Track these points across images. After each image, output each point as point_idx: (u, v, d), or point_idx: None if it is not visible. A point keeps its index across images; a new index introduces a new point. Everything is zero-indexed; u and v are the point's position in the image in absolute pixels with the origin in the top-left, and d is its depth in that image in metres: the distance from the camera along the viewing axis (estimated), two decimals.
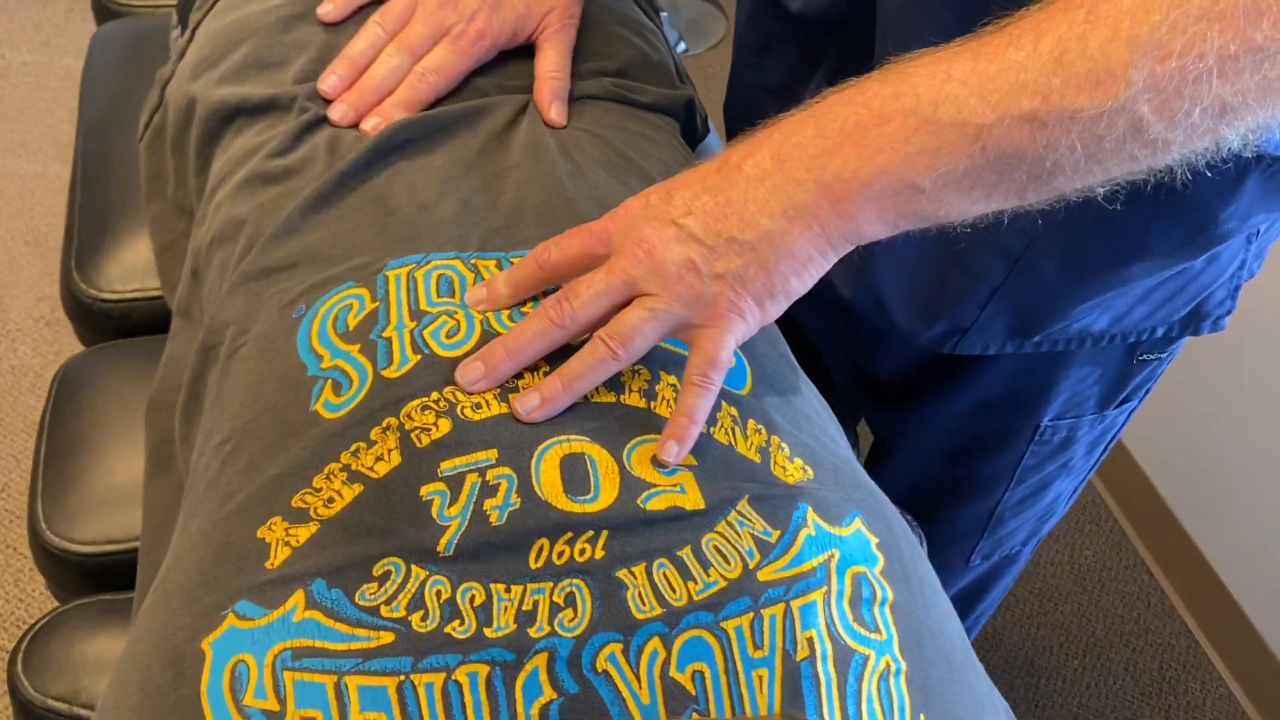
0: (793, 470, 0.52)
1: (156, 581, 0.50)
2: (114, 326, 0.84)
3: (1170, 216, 0.66)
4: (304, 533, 0.46)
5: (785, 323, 0.61)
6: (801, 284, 0.52)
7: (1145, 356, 0.81)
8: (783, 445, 0.53)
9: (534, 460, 0.47)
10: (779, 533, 0.49)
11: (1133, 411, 0.88)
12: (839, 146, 0.49)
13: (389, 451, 0.47)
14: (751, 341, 0.56)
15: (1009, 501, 0.89)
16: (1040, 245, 0.69)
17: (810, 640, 0.46)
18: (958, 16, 0.52)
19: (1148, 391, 0.86)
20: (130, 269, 0.86)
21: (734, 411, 0.53)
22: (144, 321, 0.83)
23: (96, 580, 0.70)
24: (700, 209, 0.51)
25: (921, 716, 0.48)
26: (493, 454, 0.47)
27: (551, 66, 0.68)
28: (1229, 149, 0.46)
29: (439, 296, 0.54)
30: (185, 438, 0.61)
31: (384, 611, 0.43)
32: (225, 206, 0.65)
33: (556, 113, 0.68)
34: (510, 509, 0.46)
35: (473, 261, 0.57)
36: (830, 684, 0.46)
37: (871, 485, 0.57)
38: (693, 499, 0.48)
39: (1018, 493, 0.89)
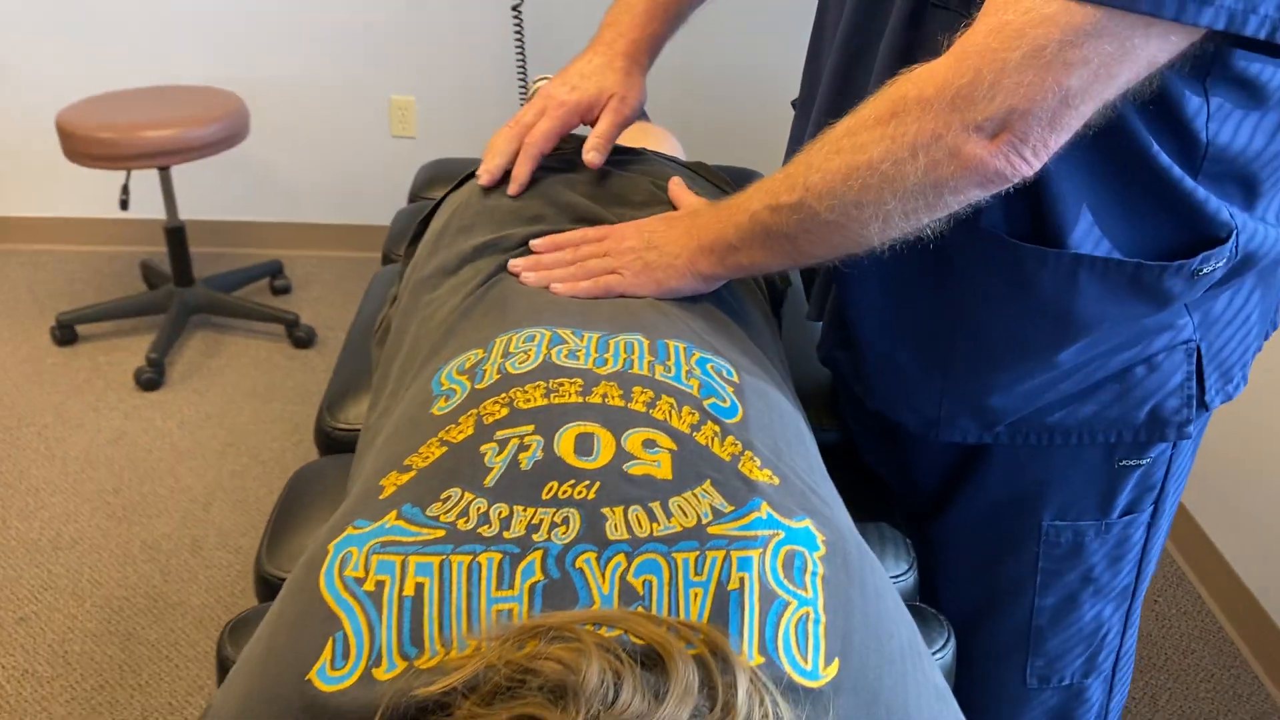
0: (759, 475, 0.69)
1: None
2: (340, 448, 1.13)
3: (1033, 318, 0.84)
4: (406, 478, 0.68)
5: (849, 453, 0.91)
6: (678, 282, 0.90)
7: (1125, 462, 0.92)
8: (754, 458, 0.70)
9: (558, 433, 0.68)
10: (733, 508, 0.65)
11: (1152, 529, 0.97)
12: (708, 223, 0.90)
13: (467, 427, 0.70)
14: (754, 398, 0.76)
15: (1041, 608, 0.99)
16: (951, 346, 0.90)
17: (742, 579, 0.62)
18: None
19: (1159, 508, 0.96)
20: (359, 414, 1.16)
21: (716, 428, 0.71)
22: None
23: None
24: (654, 232, 0.93)
25: (836, 661, 0.61)
26: (531, 428, 0.69)
27: (600, 130, 1.00)
28: (914, 230, 0.77)
29: (523, 344, 0.79)
30: (361, 455, 0.88)
31: (441, 518, 0.64)
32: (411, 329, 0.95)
33: (592, 158, 0.99)
34: (535, 460, 0.66)
35: (554, 329, 0.81)
36: (753, 613, 0.61)
37: (839, 517, 0.72)
38: (664, 472, 0.67)
39: (1047, 601, 0.98)
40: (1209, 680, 1.81)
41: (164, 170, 2.53)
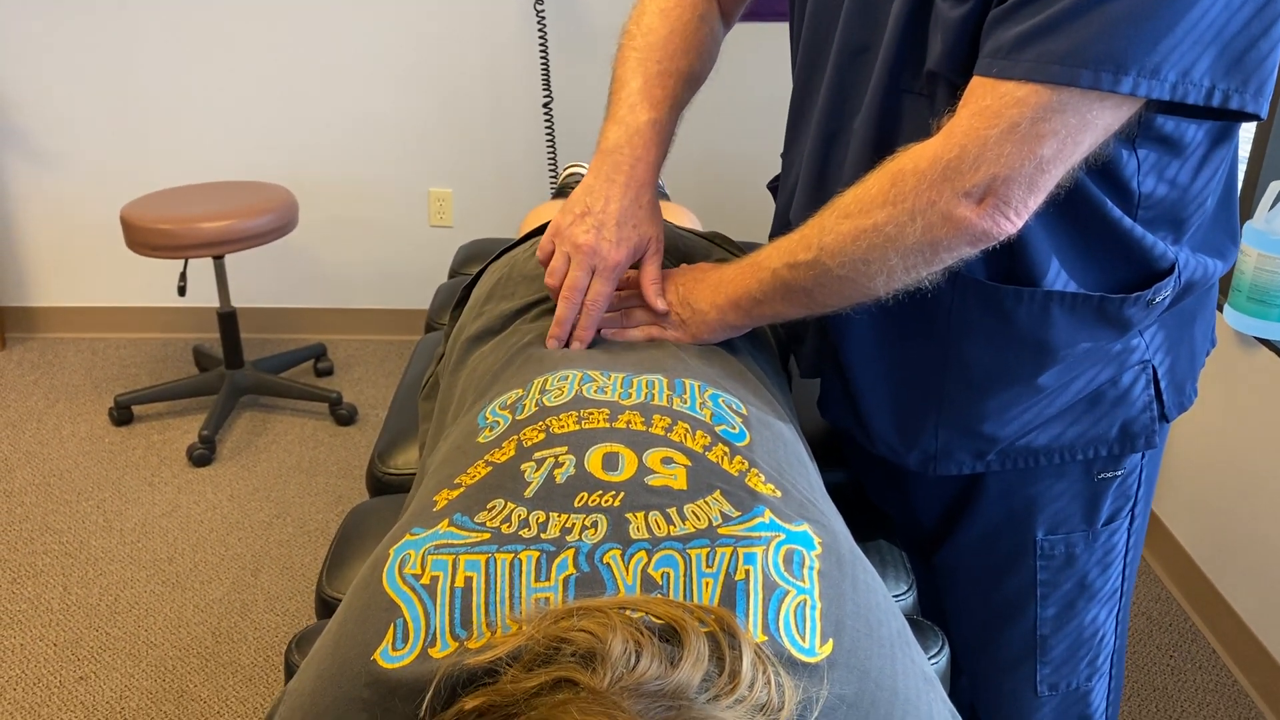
0: (763, 488, 0.79)
1: None
2: (394, 491, 1.23)
3: (1013, 349, 0.95)
4: (456, 493, 0.79)
5: (856, 491, 1.05)
6: (710, 334, 1.03)
7: (1103, 474, 1.03)
8: (759, 474, 0.80)
9: (588, 452, 0.79)
10: (740, 513, 0.75)
11: (1131, 532, 1.07)
12: (732, 280, 1.02)
13: (509, 450, 0.81)
14: (761, 429, 0.86)
15: (1045, 619, 1.08)
16: (943, 382, 1.00)
17: (748, 571, 0.71)
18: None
19: (1135, 514, 1.06)
20: (409, 460, 1.27)
21: (725, 449, 0.82)
22: (408, 488, 1.22)
23: None
24: (687, 288, 1.05)
25: (830, 641, 0.70)
26: (565, 449, 0.79)
27: (653, 276, 1.07)
28: (911, 282, 0.89)
29: (558, 382, 0.89)
30: (415, 486, 0.98)
31: (488, 524, 0.74)
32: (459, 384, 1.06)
33: (662, 304, 1.05)
34: (569, 475, 0.77)
35: (584, 370, 0.92)
36: (757, 599, 0.70)
37: (836, 525, 0.82)
38: (680, 483, 0.77)
39: (1048, 611, 1.08)
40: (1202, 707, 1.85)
41: (218, 259, 2.70)
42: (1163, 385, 1.01)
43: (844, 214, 0.90)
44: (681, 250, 1.21)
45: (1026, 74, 0.79)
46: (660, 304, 1.05)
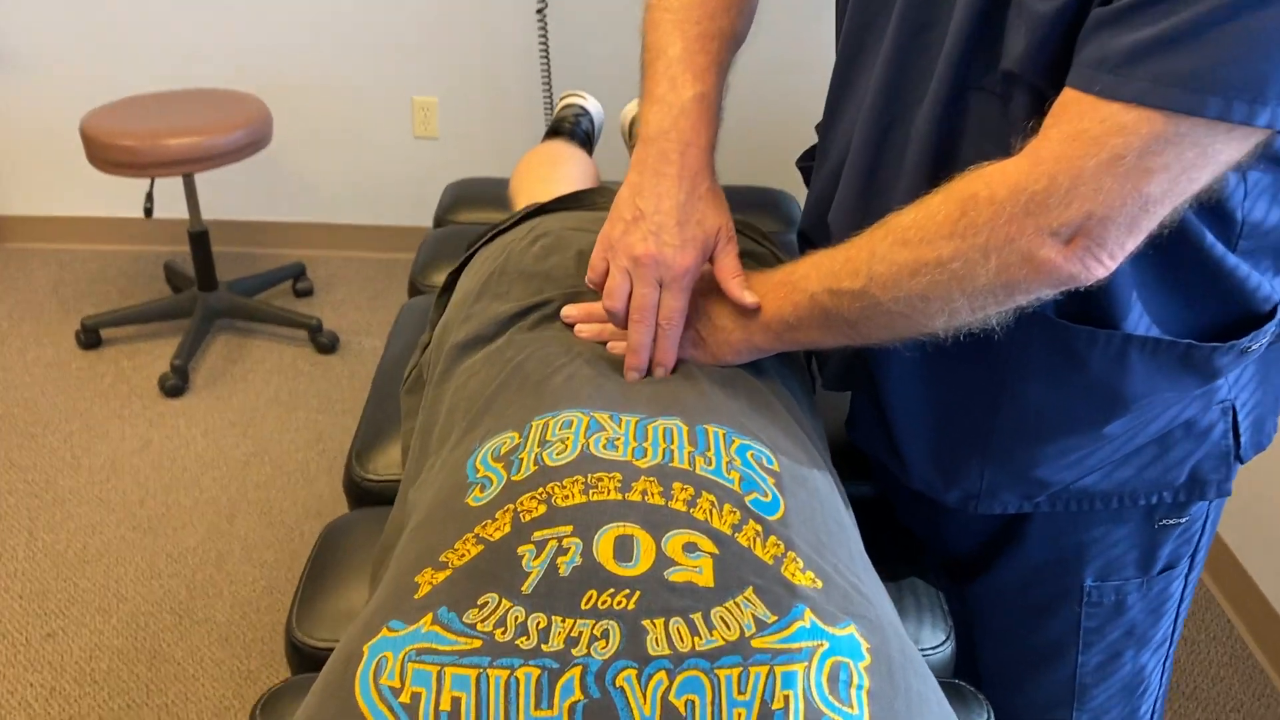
0: (801, 578, 0.68)
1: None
2: (372, 500, 1.12)
3: (1080, 394, 0.83)
4: (441, 577, 0.67)
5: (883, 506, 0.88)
6: (734, 356, 0.91)
7: (1165, 521, 0.92)
8: (797, 559, 0.69)
9: (597, 535, 0.67)
10: (776, 618, 0.64)
11: (1189, 579, 0.97)
12: (761, 297, 0.88)
13: (505, 524, 0.69)
14: (795, 488, 0.75)
15: (1086, 667, 0.99)
16: (993, 422, 0.89)
17: (787, 697, 0.61)
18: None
19: (1195, 560, 0.97)
20: (392, 461, 1.15)
21: (758, 528, 0.70)
22: (392, 498, 1.11)
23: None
24: (709, 302, 0.92)
25: None
26: (570, 529, 0.68)
27: (732, 270, 0.90)
28: (969, 323, 0.77)
29: (560, 430, 0.77)
30: (392, 546, 0.87)
31: (479, 627, 0.63)
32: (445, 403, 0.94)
33: (749, 298, 0.89)
34: (574, 565, 0.65)
35: (591, 413, 0.80)
36: None
37: (883, 614, 0.71)
38: (706, 578, 0.66)
39: (1092, 658, 0.99)
40: (1239, 710, 1.80)
41: (188, 176, 2.53)
42: (1242, 424, 0.90)
43: (901, 240, 0.77)
44: None
45: (1138, 96, 0.65)
46: (748, 298, 0.89)
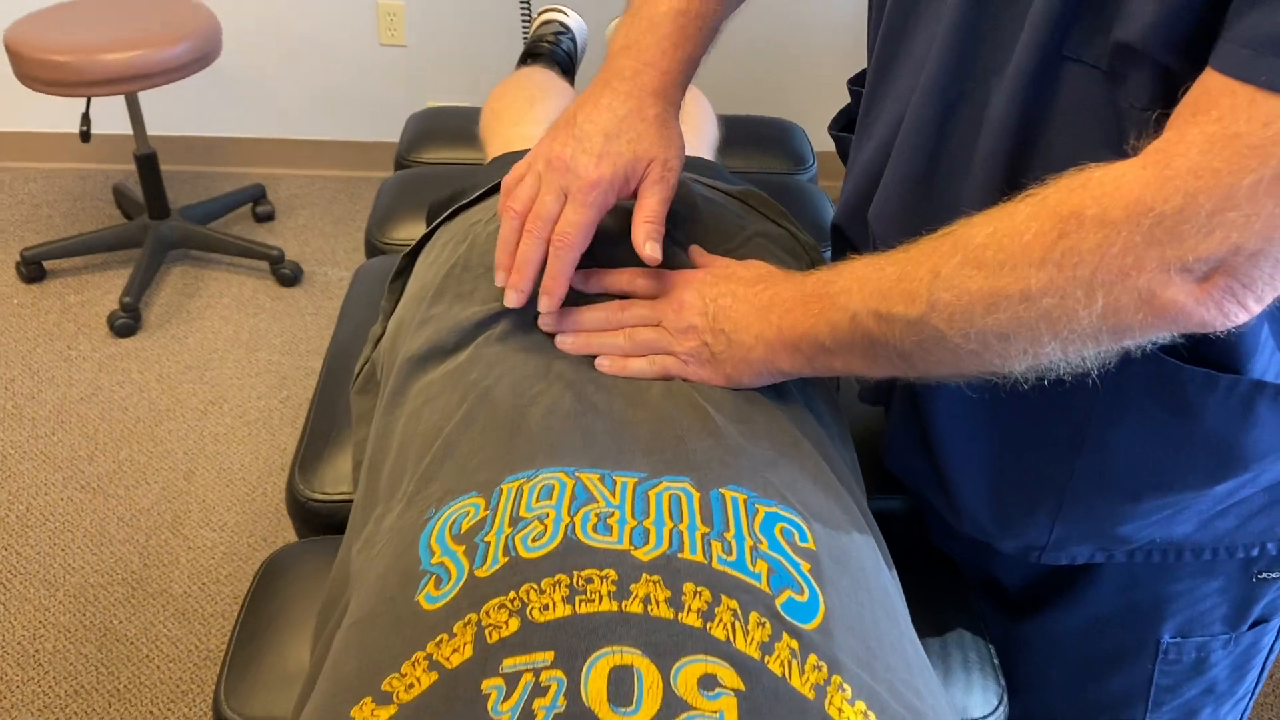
0: (851, 714, 0.53)
1: None
2: (321, 524, 0.96)
3: (1184, 448, 0.68)
4: (385, 714, 0.52)
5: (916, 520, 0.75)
6: (751, 378, 0.74)
7: (1265, 575, 0.78)
8: (844, 686, 0.54)
9: (585, 667, 0.52)
10: None
11: None
12: (791, 309, 0.72)
13: (465, 644, 0.54)
14: (836, 575, 0.60)
15: None
16: (1071, 469, 0.73)
17: None
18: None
19: None
20: (344, 474, 0.99)
21: (794, 644, 0.55)
22: (344, 522, 0.95)
23: None
24: (720, 306, 0.75)
25: None
26: (549, 656, 0.52)
27: (648, 212, 0.77)
28: (1073, 363, 0.60)
29: (538, 502, 0.61)
30: (334, 622, 0.71)
31: None
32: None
33: (651, 250, 0.76)
34: (555, 711, 0.49)
35: (576, 474, 0.64)
36: None
37: None
38: None
39: (1161, 717, 0.85)
40: None
41: (130, 94, 2.30)
42: None
43: (975, 261, 0.60)
44: (701, 217, 0.89)
45: None
46: (649, 250, 0.76)
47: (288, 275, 2.47)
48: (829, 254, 0.93)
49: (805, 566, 0.61)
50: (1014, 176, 0.63)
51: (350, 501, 0.97)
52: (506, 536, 0.60)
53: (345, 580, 0.74)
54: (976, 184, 0.66)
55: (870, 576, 0.65)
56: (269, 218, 2.72)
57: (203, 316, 2.38)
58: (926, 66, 0.70)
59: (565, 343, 0.78)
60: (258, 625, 0.84)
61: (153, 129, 2.76)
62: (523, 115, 1.34)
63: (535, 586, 0.56)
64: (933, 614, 0.86)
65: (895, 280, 0.64)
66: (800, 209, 1.39)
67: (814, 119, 1.61)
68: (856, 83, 0.92)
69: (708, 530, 0.61)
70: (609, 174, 0.75)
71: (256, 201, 2.71)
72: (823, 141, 1.16)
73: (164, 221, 2.46)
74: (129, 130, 2.68)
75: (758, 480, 0.67)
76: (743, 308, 0.75)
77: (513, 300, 0.77)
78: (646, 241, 0.76)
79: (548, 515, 0.61)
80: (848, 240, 0.86)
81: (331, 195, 2.83)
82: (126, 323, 2.29)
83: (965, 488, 0.79)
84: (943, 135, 0.70)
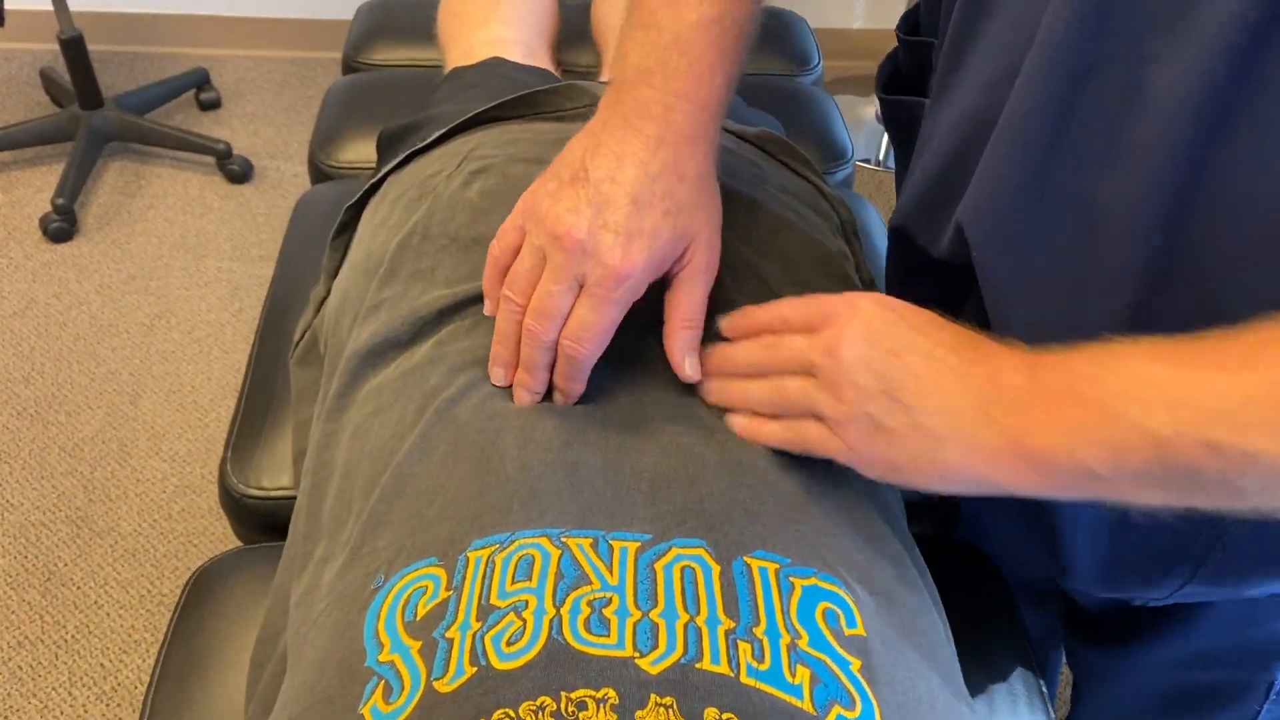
0: None
1: None
2: (260, 524, 0.83)
3: None
4: None
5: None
6: (926, 482, 0.51)
7: None
8: None
9: None
10: None
11: None
12: (1028, 407, 0.48)
13: None
14: (891, 666, 0.48)
15: None
16: (1215, 543, 0.61)
17: None
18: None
19: None
20: (285, 462, 0.86)
21: None
22: (286, 522, 0.82)
23: None
24: (907, 366, 0.51)
25: None
26: None
27: (687, 314, 0.61)
28: None
29: (514, 584, 0.49)
30: (270, 672, 0.59)
31: None
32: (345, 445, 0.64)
33: (691, 368, 0.61)
34: None
35: (561, 539, 0.51)
36: None
37: None
38: None
39: None
40: None
41: None
42: None
43: None
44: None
45: None
46: (688, 370, 0.60)
47: (236, 171, 2.27)
48: (881, 247, 0.77)
49: (855, 665, 0.48)
50: (1196, 173, 0.46)
51: (294, 499, 0.84)
52: (474, 634, 0.47)
53: (282, 620, 0.62)
54: (1132, 182, 0.48)
55: (927, 654, 0.53)
56: (214, 105, 2.50)
57: (145, 218, 2.19)
58: (1045, 19, 0.50)
59: (710, 391, 0.61)
60: (186, 659, 0.72)
61: (79, 4, 2.50)
62: (489, 15, 1.15)
63: (511, 713, 0.44)
64: (973, 632, 0.75)
65: (1244, 399, 0.43)
66: (806, 122, 1.23)
67: (817, 6, 1.42)
68: (908, 28, 0.73)
69: (732, 625, 0.48)
70: (643, 263, 0.57)
71: (199, 88, 2.48)
72: (828, 35, 0.98)
73: (97, 112, 2.25)
74: (50, 6, 2.44)
75: (790, 536, 0.54)
76: (946, 383, 0.51)
77: (525, 400, 0.61)
78: (686, 357, 0.60)
79: (527, 605, 0.48)
80: (913, 244, 0.67)
81: (282, 80, 2.61)
82: (61, 226, 2.11)
83: (1078, 545, 0.66)
84: (1071, 118, 0.50)
